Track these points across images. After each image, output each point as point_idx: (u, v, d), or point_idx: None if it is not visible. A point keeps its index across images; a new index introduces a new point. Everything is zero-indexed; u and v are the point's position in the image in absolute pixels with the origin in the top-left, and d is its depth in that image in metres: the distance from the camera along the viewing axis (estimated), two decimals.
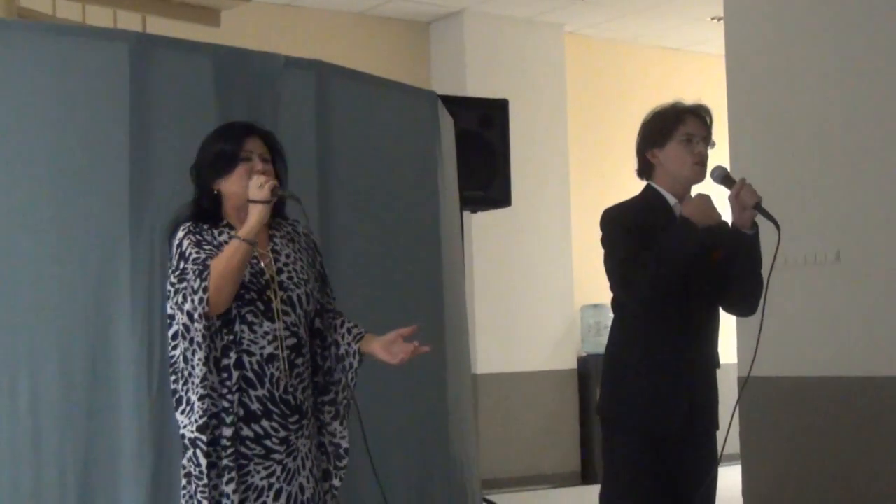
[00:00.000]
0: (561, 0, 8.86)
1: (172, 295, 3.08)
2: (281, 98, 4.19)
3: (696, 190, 3.65)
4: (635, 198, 3.69)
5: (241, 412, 3.09)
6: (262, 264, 3.16)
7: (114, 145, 3.78)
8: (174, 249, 3.13)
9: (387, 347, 3.24)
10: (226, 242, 3.13)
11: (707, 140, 3.62)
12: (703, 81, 9.77)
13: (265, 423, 3.10)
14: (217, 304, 3.04)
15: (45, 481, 3.59)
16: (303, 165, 4.19)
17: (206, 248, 3.10)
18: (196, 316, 3.01)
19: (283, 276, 3.18)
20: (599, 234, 3.66)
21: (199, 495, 3.04)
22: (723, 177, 3.55)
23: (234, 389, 3.08)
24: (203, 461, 3.03)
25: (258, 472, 3.09)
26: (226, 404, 3.07)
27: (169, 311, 3.12)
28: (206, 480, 3.03)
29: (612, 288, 3.59)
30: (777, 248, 3.42)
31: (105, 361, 3.69)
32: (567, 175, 9.37)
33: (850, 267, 6.01)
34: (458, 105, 5.85)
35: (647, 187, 3.67)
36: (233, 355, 3.09)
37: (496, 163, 6.41)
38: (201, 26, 5.96)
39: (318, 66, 4.40)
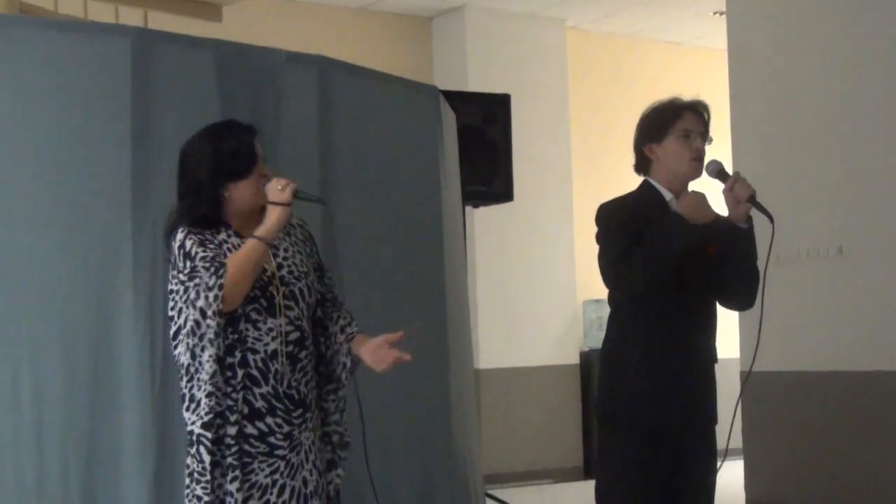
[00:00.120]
0: None
1: (180, 293, 3.04)
2: (283, 93, 4.18)
3: (693, 186, 3.65)
4: (631, 193, 3.69)
5: (246, 410, 3.08)
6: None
7: (115, 141, 3.78)
8: (176, 251, 3.10)
9: (373, 352, 3.22)
10: (225, 241, 3.13)
11: (704, 136, 3.62)
12: (706, 76, 9.75)
13: (269, 419, 3.10)
14: (231, 302, 3.02)
15: (48, 477, 3.59)
16: (304, 160, 4.19)
17: (211, 246, 3.09)
18: (210, 313, 2.99)
19: (284, 271, 3.18)
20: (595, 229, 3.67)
21: (201, 491, 3.03)
22: (717, 171, 3.56)
23: (238, 388, 3.07)
24: (207, 458, 3.02)
25: (262, 470, 3.09)
26: (230, 402, 3.06)
27: (170, 312, 3.08)
28: (209, 477, 3.02)
29: (606, 284, 3.59)
30: (771, 241, 3.42)
31: (107, 357, 3.69)
32: (569, 170, 9.37)
33: (852, 262, 6.01)
34: (459, 100, 5.85)
35: (644, 182, 3.67)
36: (237, 354, 3.08)
37: (498, 158, 6.41)
38: (203, 21, 5.96)
39: (320, 62, 4.39)
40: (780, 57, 6.48)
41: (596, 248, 3.62)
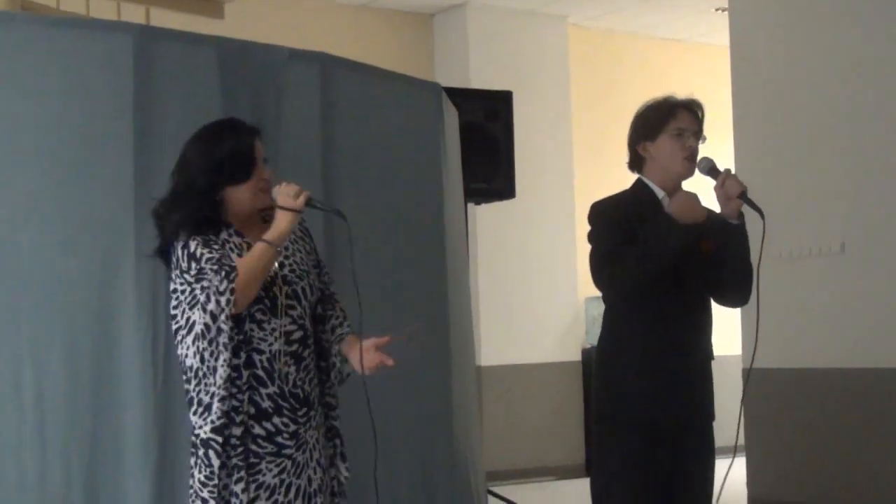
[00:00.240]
0: None
1: (185, 294, 3.02)
2: (285, 90, 4.18)
3: (686, 184, 3.65)
4: (625, 191, 3.69)
5: (252, 410, 3.07)
6: None
7: (118, 138, 3.78)
8: (179, 251, 3.07)
9: (356, 358, 3.19)
10: (227, 240, 3.11)
11: (698, 135, 3.62)
12: (708, 72, 9.75)
13: (276, 419, 3.09)
14: (241, 306, 3.01)
15: (50, 475, 3.58)
16: (306, 157, 4.19)
17: (215, 247, 3.07)
18: (223, 317, 2.97)
19: (286, 270, 3.17)
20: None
21: (207, 495, 3.01)
22: (709, 168, 3.56)
23: (243, 388, 3.06)
24: (216, 462, 3.01)
25: (270, 471, 3.08)
26: (235, 403, 3.05)
27: (172, 311, 3.06)
28: (216, 481, 3.01)
29: (596, 284, 3.59)
30: (763, 237, 3.42)
31: (109, 355, 3.69)
32: (571, 167, 9.37)
33: (854, 259, 6.01)
34: (461, 97, 5.84)
35: (637, 181, 3.68)
36: (242, 354, 3.06)
37: (500, 155, 6.40)
38: (205, 18, 5.95)
39: (322, 59, 4.39)
40: (783, 53, 6.47)
41: None
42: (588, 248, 3.65)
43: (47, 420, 3.59)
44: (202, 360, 3.01)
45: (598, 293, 3.67)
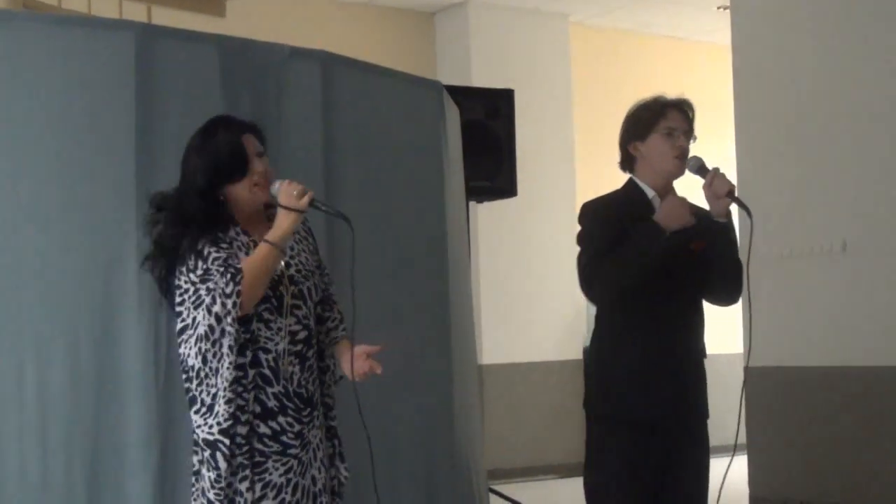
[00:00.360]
0: None
1: (190, 293, 3.01)
2: (286, 88, 4.18)
3: (677, 184, 3.66)
4: (616, 191, 3.71)
5: (258, 409, 3.06)
6: None
7: (120, 136, 3.78)
8: (186, 249, 3.05)
9: (349, 361, 3.18)
10: (235, 238, 3.11)
11: (689, 134, 3.63)
12: (709, 71, 9.75)
13: (281, 418, 3.09)
14: (247, 309, 3.01)
15: (52, 471, 3.59)
16: (307, 155, 4.19)
17: (223, 245, 3.06)
18: (229, 319, 2.96)
19: (292, 270, 3.16)
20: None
21: (213, 496, 3.00)
22: (698, 167, 3.57)
23: (249, 388, 3.05)
24: (223, 465, 3.00)
25: (276, 469, 3.08)
26: (241, 402, 3.04)
27: (177, 308, 3.06)
28: (223, 483, 3.00)
29: (581, 289, 3.60)
30: (751, 235, 3.43)
31: (112, 352, 3.70)
32: (572, 164, 9.36)
33: (856, 257, 6.01)
34: (463, 95, 5.84)
35: (629, 181, 3.70)
36: (248, 353, 3.05)
37: (501, 153, 6.40)
38: (206, 17, 5.96)
39: (324, 57, 4.39)
40: (784, 52, 6.47)
41: None
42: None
43: (49, 418, 3.60)
44: (204, 361, 3.00)
45: None
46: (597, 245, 3.53)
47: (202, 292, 2.99)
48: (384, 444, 4.35)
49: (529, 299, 9.06)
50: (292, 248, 3.20)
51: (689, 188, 3.62)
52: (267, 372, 3.08)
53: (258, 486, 3.05)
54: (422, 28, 9.33)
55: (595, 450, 3.67)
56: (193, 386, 3.04)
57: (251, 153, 3.13)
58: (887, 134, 5.90)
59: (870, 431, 5.89)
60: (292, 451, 3.10)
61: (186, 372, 3.05)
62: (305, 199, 3.06)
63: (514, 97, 6.51)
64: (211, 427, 3.01)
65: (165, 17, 5.45)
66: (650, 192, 3.61)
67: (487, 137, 6.31)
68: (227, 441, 3.00)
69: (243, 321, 3.03)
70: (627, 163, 3.70)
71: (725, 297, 3.67)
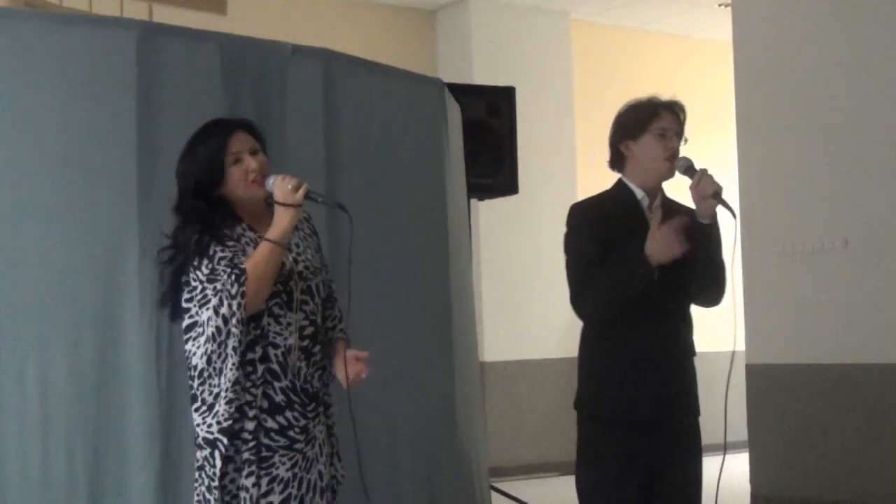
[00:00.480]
0: None
1: (197, 291, 3.02)
2: (288, 86, 4.18)
3: (667, 185, 3.67)
4: (605, 192, 3.73)
5: (266, 404, 3.07)
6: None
7: (121, 134, 3.78)
8: (193, 245, 3.06)
9: (340, 365, 3.19)
10: (242, 235, 3.12)
11: (680, 136, 3.65)
12: (711, 68, 9.75)
13: (288, 413, 3.09)
14: (253, 308, 3.01)
15: (53, 469, 3.60)
16: (310, 153, 4.19)
17: (230, 243, 3.07)
18: (234, 321, 2.97)
19: (301, 266, 3.16)
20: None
21: (211, 494, 3.01)
22: (686, 167, 3.59)
23: (258, 383, 3.05)
24: (219, 463, 3.00)
25: (283, 464, 3.08)
26: (249, 398, 3.04)
27: (184, 304, 3.06)
28: (216, 483, 3.00)
29: (570, 298, 3.63)
30: (735, 237, 3.46)
31: (113, 349, 3.70)
32: (574, 162, 9.36)
33: (857, 255, 6.01)
34: (464, 93, 5.84)
35: (618, 181, 3.71)
36: (258, 349, 3.06)
37: (503, 151, 6.40)
38: (208, 15, 5.96)
39: (325, 55, 4.39)
40: (786, 49, 6.46)
41: None
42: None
43: (51, 415, 3.60)
44: (209, 362, 3.01)
45: None
46: (583, 265, 3.57)
47: (209, 292, 3.00)
48: (385, 442, 4.36)
49: (531, 296, 9.06)
50: (298, 245, 3.21)
51: (677, 188, 3.63)
52: (276, 367, 3.08)
53: (264, 481, 3.05)
54: (423, 26, 9.33)
55: (587, 450, 3.68)
56: (196, 384, 3.04)
57: (238, 150, 3.12)
58: (889, 131, 5.90)
59: (872, 428, 5.89)
60: (298, 446, 3.10)
61: (190, 370, 3.05)
62: (300, 193, 3.06)
63: (515, 95, 6.51)
64: (210, 426, 3.01)
65: (167, 16, 5.46)
66: (639, 193, 3.64)
67: (489, 135, 6.31)
68: (225, 440, 3.00)
69: (254, 316, 3.04)
70: (617, 162, 3.71)
71: (707, 298, 3.67)
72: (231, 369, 2.99)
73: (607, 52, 9.88)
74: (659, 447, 3.56)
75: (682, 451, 3.62)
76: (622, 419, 3.55)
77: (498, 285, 8.92)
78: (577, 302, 3.60)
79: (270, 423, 3.07)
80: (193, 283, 3.04)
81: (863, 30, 6.04)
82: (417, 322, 4.64)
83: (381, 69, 4.71)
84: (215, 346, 2.99)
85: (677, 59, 10.09)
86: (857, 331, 5.98)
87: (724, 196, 3.52)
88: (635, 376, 3.55)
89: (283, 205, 3.05)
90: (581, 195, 9.29)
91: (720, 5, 9.12)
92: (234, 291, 2.97)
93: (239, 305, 2.97)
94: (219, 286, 2.98)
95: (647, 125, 3.62)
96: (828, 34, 6.21)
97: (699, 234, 3.53)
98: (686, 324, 3.68)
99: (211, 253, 3.03)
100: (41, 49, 3.73)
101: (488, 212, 8.50)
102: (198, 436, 3.05)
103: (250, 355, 3.05)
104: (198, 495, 3.07)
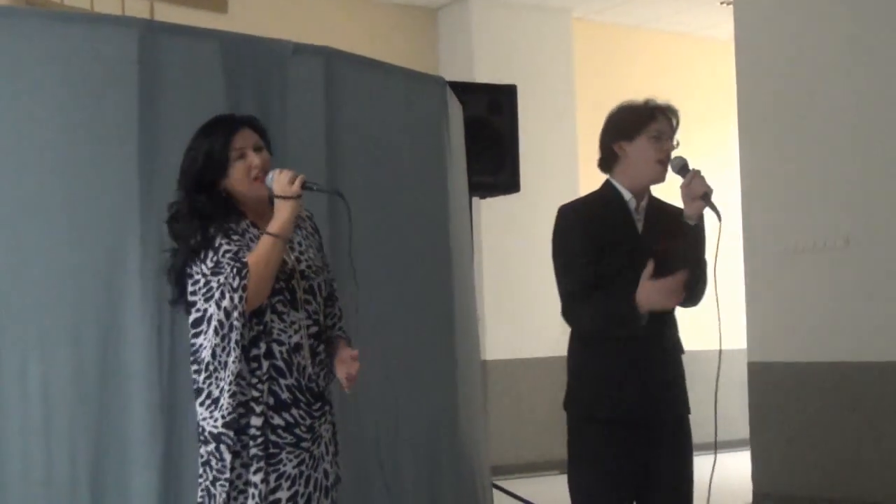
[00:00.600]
0: None
1: (201, 284, 3.03)
2: (289, 84, 4.18)
3: (657, 186, 3.67)
4: (592, 193, 3.74)
5: (272, 401, 3.07)
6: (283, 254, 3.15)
7: (122, 132, 3.78)
8: (198, 238, 3.06)
9: (338, 364, 3.20)
10: (246, 230, 3.13)
11: (671, 141, 3.65)
12: (713, 66, 9.74)
13: (294, 411, 3.10)
14: (255, 302, 3.02)
15: (56, 467, 3.60)
16: (311, 152, 4.19)
17: (235, 237, 3.08)
18: (236, 314, 2.98)
19: (303, 265, 3.18)
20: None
21: (219, 489, 3.02)
22: (680, 167, 3.60)
23: (263, 379, 3.06)
24: (227, 456, 3.01)
25: (290, 461, 3.09)
26: (255, 393, 3.05)
27: (190, 297, 3.07)
28: (228, 475, 3.01)
29: (561, 306, 3.67)
30: (718, 239, 3.47)
31: (115, 346, 3.70)
32: (575, 160, 9.36)
33: (859, 253, 6.00)
34: (466, 91, 5.84)
35: (606, 183, 3.71)
36: (262, 345, 3.07)
37: (504, 149, 6.39)
38: (209, 13, 5.97)
39: (327, 53, 4.39)
40: (788, 47, 6.46)
41: None
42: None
43: (53, 413, 3.61)
44: (213, 355, 3.02)
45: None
46: (576, 274, 3.59)
47: (213, 285, 3.02)
48: (387, 440, 4.36)
49: (533, 294, 9.05)
50: (300, 244, 3.22)
51: (667, 188, 3.64)
52: (280, 364, 3.09)
53: (272, 478, 3.06)
54: (425, 24, 9.33)
55: (577, 449, 3.69)
56: (202, 378, 3.05)
57: (242, 147, 3.14)
58: (891, 129, 5.89)
59: (873, 427, 5.89)
60: (304, 444, 3.11)
61: (198, 364, 3.06)
62: (297, 184, 3.08)
63: (516, 93, 6.50)
64: (216, 420, 3.02)
65: (168, 14, 5.47)
66: (627, 194, 3.64)
67: (490, 133, 6.31)
68: (230, 433, 3.01)
69: (257, 313, 3.06)
70: (607, 162, 3.71)
71: (691, 297, 3.67)
72: (234, 362, 3.01)
73: (609, 51, 9.87)
74: (648, 446, 3.56)
75: (672, 449, 3.62)
76: (610, 419, 3.56)
77: (499, 283, 8.92)
78: (567, 314, 3.67)
79: (277, 420, 3.08)
80: (197, 276, 3.05)
81: (865, 28, 6.04)
82: (419, 321, 4.64)
83: (382, 67, 4.71)
84: (219, 339, 3.00)
85: (679, 57, 10.08)
86: (858, 329, 5.97)
87: (716, 197, 3.53)
88: (622, 375, 3.56)
89: (282, 197, 3.07)
90: (583, 192, 9.29)
91: (722, 3, 9.12)
92: (235, 284, 2.98)
93: (241, 299, 2.98)
94: (222, 279, 3.00)
95: (643, 127, 3.63)
96: (830, 32, 6.21)
97: (685, 233, 3.53)
98: (671, 322, 3.68)
99: (216, 245, 3.05)
100: (42, 47, 3.73)
101: (490, 210, 8.50)
102: (203, 430, 3.06)
103: (255, 351, 3.06)
104: (202, 490, 3.07)
